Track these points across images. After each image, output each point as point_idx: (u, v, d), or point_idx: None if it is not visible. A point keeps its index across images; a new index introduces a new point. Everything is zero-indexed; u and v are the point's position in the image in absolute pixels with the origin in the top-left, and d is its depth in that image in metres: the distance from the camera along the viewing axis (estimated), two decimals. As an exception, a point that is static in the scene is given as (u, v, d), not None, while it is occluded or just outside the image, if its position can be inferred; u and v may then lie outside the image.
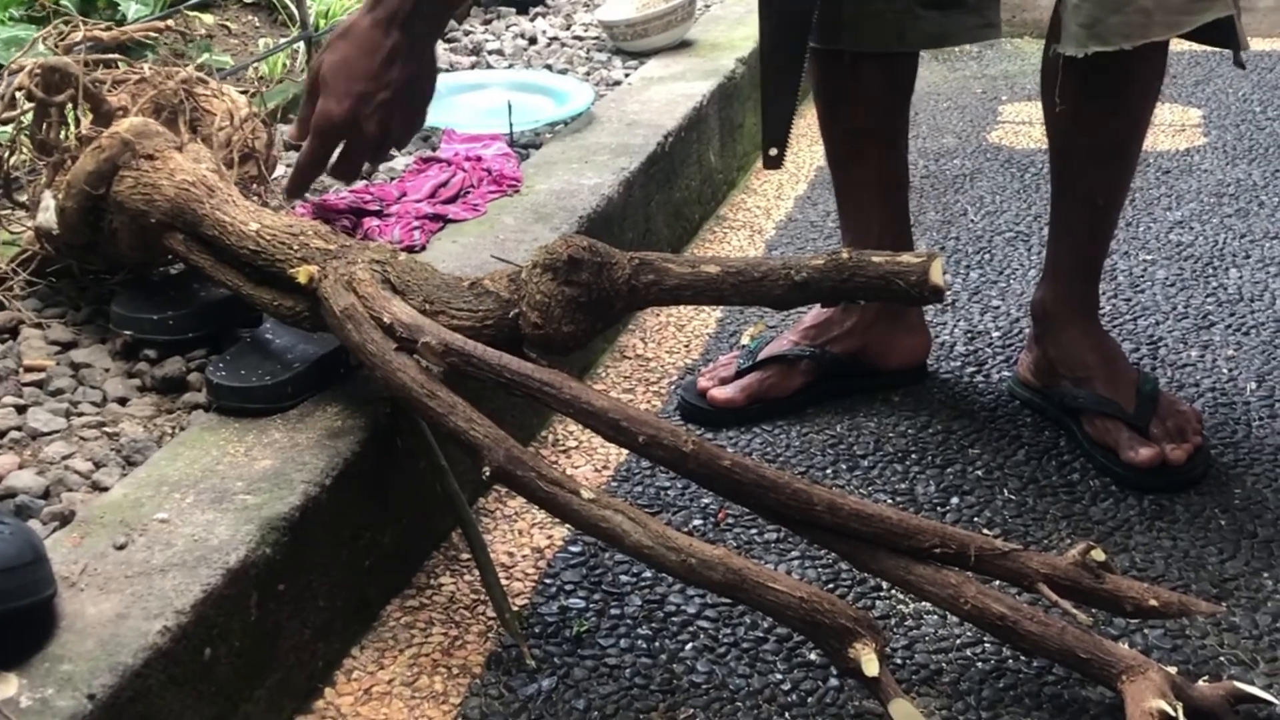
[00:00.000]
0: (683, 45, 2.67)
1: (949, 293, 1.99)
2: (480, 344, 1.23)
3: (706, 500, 1.50)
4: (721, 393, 1.67)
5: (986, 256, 2.12)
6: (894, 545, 1.20)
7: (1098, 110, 1.52)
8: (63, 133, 1.55)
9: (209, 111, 1.58)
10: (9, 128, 1.58)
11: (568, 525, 1.43)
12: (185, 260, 1.42)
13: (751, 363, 1.69)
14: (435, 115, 2.18)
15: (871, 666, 1.11)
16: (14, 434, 1.31)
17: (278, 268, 1.33)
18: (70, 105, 1.52)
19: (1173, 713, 1.10)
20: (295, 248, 1.33)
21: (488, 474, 1.18)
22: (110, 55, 1.60)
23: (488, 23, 2.90)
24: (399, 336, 1.23)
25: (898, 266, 1.21)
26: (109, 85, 1.57)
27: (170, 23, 1.78)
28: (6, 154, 1.58)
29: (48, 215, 1.49)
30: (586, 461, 1.60)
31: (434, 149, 2.06)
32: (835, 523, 1.19)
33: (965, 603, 1.18)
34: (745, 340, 1.76)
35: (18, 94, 1.52)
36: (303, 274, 1.30)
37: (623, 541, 1.16)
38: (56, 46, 1.60)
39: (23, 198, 1.61)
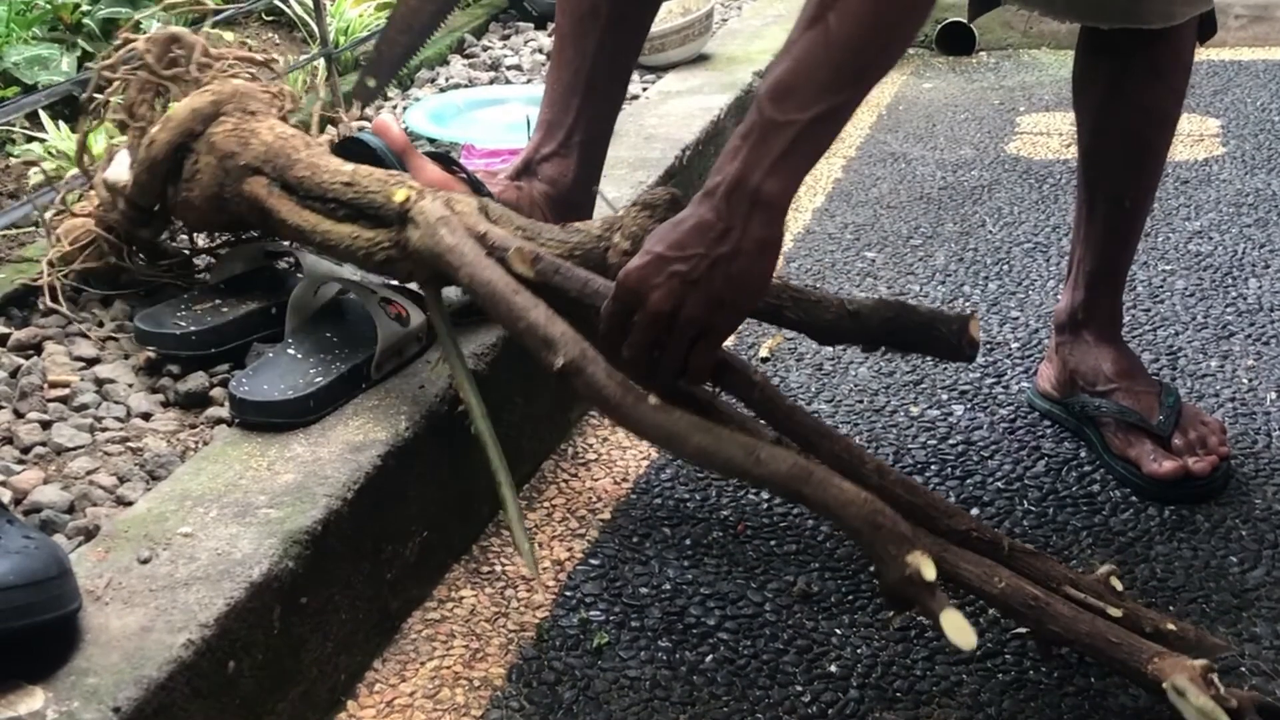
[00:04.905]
0: (700, 59, 2.67)
1: (968, 304, 1.99)
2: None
3: (726, 512, 1.51)
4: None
5: (1005, 267, 2.12)
6: (933, 524, 1.21)
7: (1134, 87, 1.51)
8: (150, 109, 1.59)
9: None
10: (100, 95, 1.61)
11: (588, 538, 1.44)
12: (261, 206, 1.45)
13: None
14: (454, 130, 2.21)
15: (929, 570, 1.06)
16: (39, 449, 1.32)
17: (369, 198, 1.37)
18: (171, 82, 1.57)
19: (1204, 697, 1.08)
20: (391, 182, 1.38)
21: (559, 366, 1.16)
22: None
23: (506, 38, 2.91)
24: (491, 246, 1.27)
25: (939, 315, 1.24)
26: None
27: (191, 39, 1.79)
28: (91, 122, 1.62)
29: (119, 171, 1.51)
30: (605, 474, 1.60)
31: (453, 164, 2.07)
32: (881, 485, 1.20)
33: (1000, 581, 1.16)
34: (764, 353, 1.76)
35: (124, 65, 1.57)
36: (400, 193, 1.34)
37: (685, 443, 1.13)
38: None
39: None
